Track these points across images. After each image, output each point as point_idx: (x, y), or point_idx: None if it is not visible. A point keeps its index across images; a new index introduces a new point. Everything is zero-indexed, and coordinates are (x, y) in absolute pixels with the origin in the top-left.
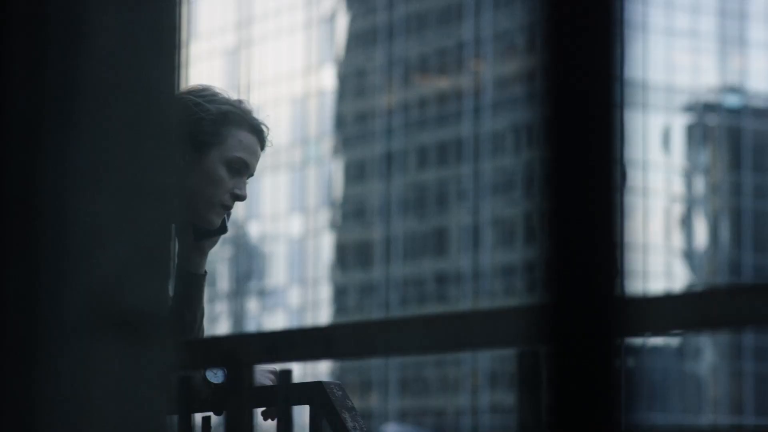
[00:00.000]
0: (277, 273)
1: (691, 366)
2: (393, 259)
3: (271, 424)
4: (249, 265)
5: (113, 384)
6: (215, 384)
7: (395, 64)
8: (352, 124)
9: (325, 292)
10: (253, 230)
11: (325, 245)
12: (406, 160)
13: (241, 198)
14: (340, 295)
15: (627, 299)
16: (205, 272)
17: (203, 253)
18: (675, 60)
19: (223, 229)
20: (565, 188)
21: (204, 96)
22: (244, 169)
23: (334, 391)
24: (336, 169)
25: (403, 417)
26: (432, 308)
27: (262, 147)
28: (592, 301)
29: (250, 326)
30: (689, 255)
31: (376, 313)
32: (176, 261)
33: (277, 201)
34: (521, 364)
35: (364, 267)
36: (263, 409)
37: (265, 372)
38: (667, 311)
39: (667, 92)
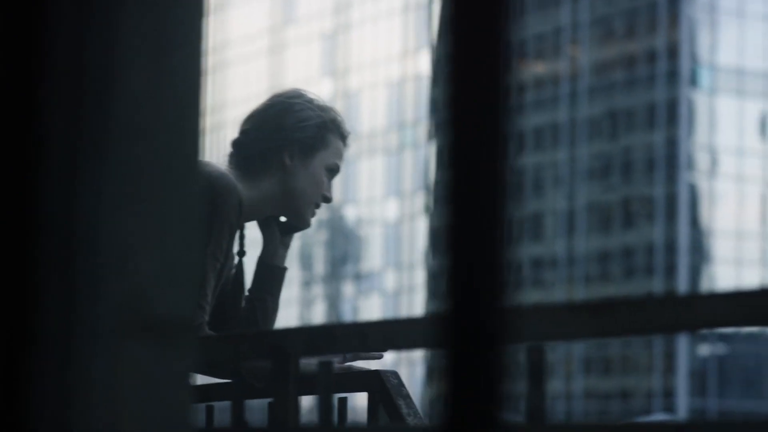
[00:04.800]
0: (373, 257)
1: None
2: None
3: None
4: (345, 249)
5: (143, 383)
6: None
7: None
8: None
9: (420, 277)
10: (350, 214)
11: (421, 230)
12: None
13: (329, 200)
14: (434, 280)
15: (514, 309)
16: (285, 267)
17: (287, 248)
18: None
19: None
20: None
21: (310, 101)
22: (335, 173)
23: (390, 379)
24: (432, 154)
25: None
26: (528, 293)
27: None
28: (484, 310)
29: (346, 310)
30: None
31: None
32: (260, 255)
33: (374, 185)
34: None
35: None
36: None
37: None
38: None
39: (765, 78)
